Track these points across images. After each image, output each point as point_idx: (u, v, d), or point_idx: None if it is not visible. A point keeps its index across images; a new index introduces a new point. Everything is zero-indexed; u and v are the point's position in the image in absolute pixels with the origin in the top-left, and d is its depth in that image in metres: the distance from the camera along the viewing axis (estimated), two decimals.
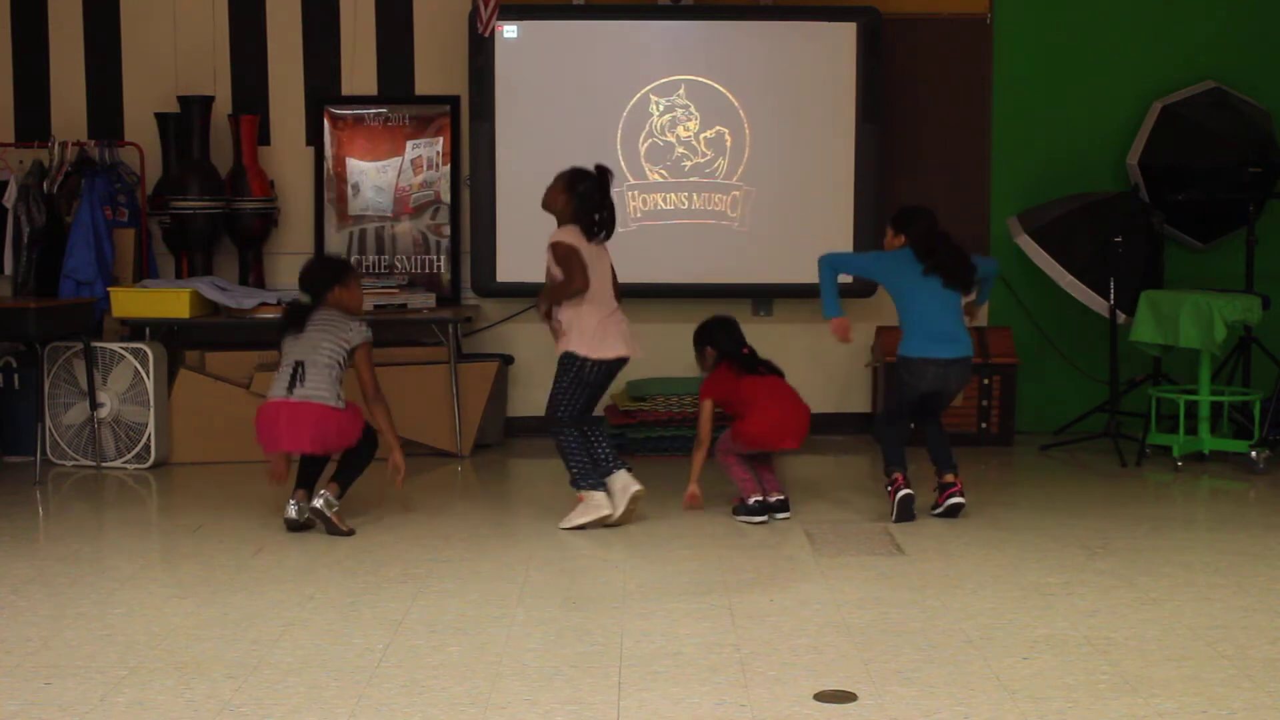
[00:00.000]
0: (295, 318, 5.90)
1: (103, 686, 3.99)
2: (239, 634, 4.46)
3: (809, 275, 7.51)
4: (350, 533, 5.73)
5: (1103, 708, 3.79)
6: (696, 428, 6.10)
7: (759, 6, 7.86)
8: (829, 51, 7.75)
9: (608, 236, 5.92)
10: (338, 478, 5.87)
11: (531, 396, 8.04)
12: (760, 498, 5.99)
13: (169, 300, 7.25)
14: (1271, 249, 7.76)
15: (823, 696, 3.88)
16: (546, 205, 5.94)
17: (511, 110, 7.77)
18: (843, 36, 7.75)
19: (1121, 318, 7.35)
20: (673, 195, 7.80)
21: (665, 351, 7.56)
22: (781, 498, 6.03)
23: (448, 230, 7.97)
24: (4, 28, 7.96)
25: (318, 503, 5.74)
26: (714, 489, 6.24)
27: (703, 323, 6.20)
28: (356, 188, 7.91)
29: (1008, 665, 4.13)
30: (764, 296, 7.92)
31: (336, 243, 7.89)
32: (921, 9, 7.94)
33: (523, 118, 7.77)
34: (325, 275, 5.99)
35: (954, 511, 5.96)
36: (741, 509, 5.99)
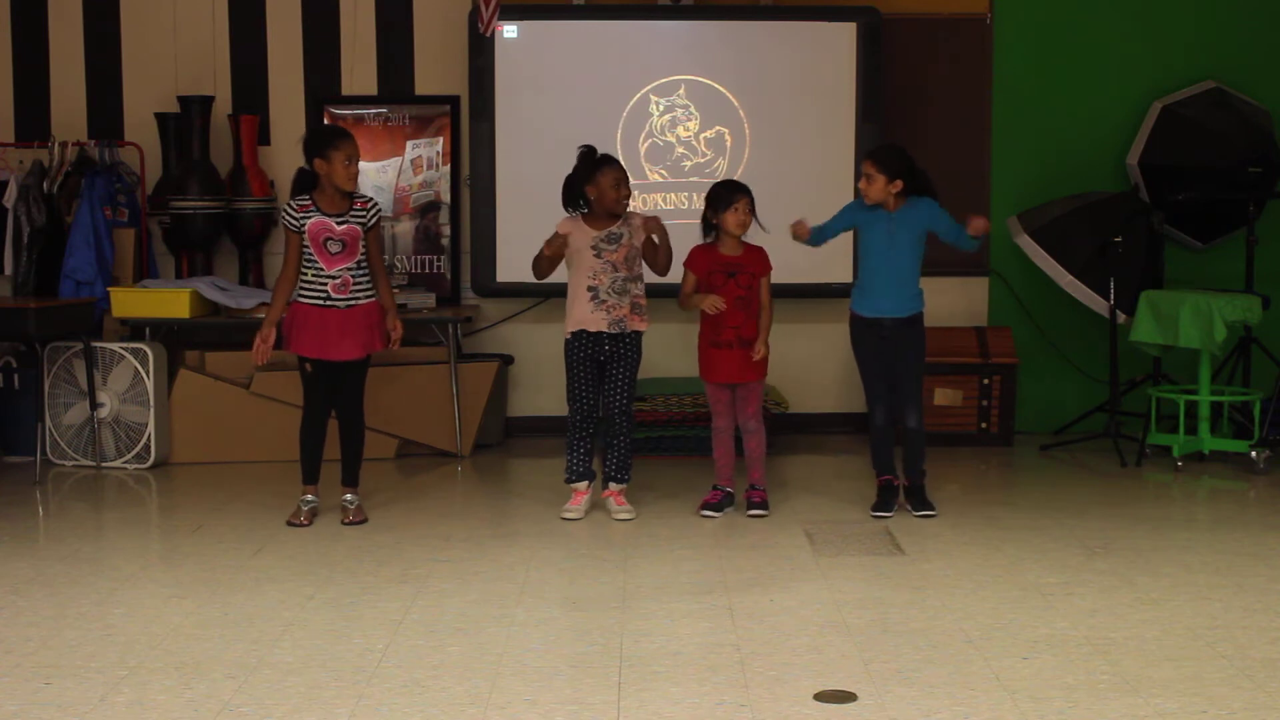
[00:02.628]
0: (299, 187, 5.90)
1: (102, 686, 3.99)
2: (239, 634, 4.45)
3: (809, 275, 7.55)
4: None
5: (1103, 708, 3.79)
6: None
7: (759, 6, 7.86)
8: (829, 51, 7.76)
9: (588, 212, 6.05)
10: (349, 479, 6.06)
11: (531, 396, 8.06)
12: (728, 488, 6.10)
13: (169, 300, 7.25)
14: (1271, 249, 7.75)
15: (823, 696, 3.88)
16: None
17: (511, 110, 7.77)
18: (843, 36, 7.75)
19: (1121, 318, 7.35)
20: (673, 195, 7.81)
21: (665, 352, 7.57)
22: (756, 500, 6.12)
23: (448, 230, 7.97)
24: (4, 28, 7.96)
25: (349, 498, 6.02)
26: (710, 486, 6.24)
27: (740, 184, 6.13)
28: None
29: (1008, 665, 4.13)
30: None
31: None
32: (921, 9, 7.94)
33: (523, 118, 7.78)
34: (308, 148, 5.88)
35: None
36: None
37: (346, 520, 5.91)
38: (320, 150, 5.81)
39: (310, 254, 5.81)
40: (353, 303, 5.85)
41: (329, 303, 5.83)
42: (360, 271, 5.86)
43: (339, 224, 5.81)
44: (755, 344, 5.98)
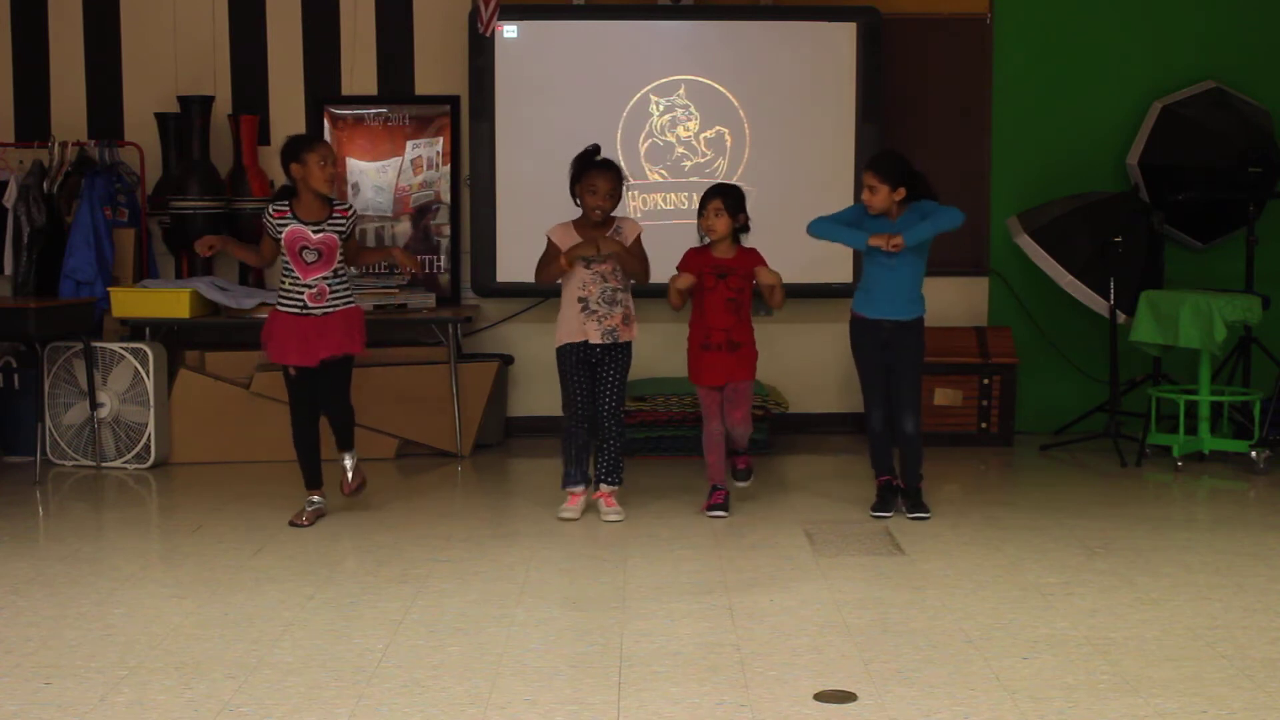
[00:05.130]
0: (279, 197, 5.93)
1: (102, 686, 3.99)
2: (239, 634, 4.46)
3: (809, 275, 7.56)
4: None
5: (1103, 708, 3.79)
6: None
7: (759, 6, 7.86)
8: (829, 51, 7.76)
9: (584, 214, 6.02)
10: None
11: (531, 397, 8.06)
12: (725, 486, 6.12)
13: (169, 300, 7.25)
14: (1271, 249, 7.75)
15: (823, 696, 3.88)
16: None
17: (511, 110, 7.77)
18: (843, 36, 7.75)
19: (1121, 318, 7.35)
20: (673, 195, 7.81)
21: (662, 352, 7.57)
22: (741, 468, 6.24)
23: (448, 230, 7.97)
24: (4, 28, 7.96)
25: (348, 462, 6.05)
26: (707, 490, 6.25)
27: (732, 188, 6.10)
28: (356, 187, 7.91)
29: (1008, 665, 4.13)
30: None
31: None
32: (921, 9, 7.94)
33: (523, 118, 7.78)
34: (285, 154, 5.87)
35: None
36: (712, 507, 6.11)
37: (347, 490, 5.93)
38: (295, 155, 5.82)
39: (287, 262, 5.85)
40: (329, 310, 5.85)
41: (305, 311, 5.83)
42: (338, 280, 5.88)
43: (315, 232, 5.81)
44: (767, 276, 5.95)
